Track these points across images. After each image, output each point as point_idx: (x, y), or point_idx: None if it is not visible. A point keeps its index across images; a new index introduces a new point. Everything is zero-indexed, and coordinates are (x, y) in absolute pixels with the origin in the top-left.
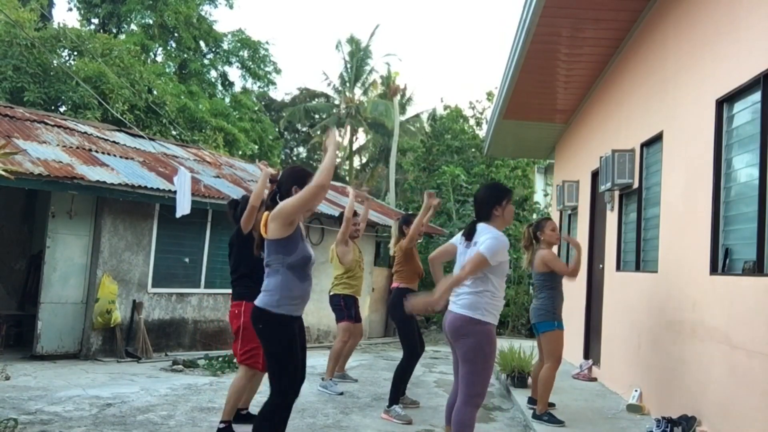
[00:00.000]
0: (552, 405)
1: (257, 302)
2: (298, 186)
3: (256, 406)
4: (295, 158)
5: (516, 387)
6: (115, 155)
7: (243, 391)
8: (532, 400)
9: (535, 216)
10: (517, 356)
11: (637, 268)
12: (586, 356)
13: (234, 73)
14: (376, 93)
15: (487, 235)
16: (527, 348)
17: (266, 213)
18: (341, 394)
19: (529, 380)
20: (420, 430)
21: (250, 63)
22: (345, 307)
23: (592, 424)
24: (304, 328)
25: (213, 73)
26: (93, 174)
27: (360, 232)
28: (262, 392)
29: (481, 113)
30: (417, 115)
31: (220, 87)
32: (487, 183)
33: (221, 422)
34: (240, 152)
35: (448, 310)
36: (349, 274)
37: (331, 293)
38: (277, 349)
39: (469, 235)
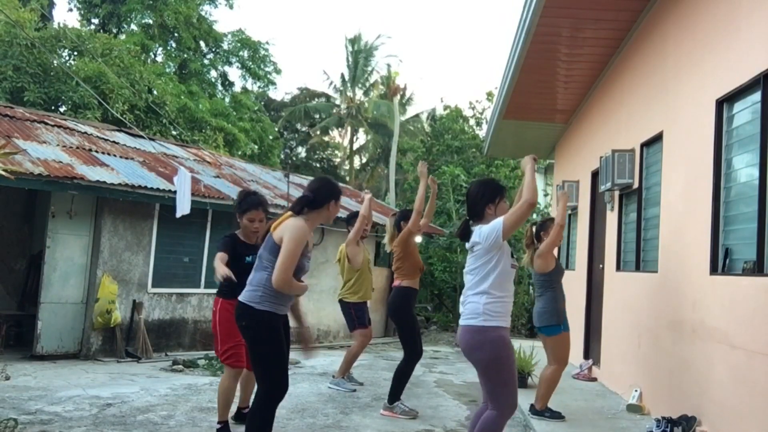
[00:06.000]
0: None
1: (241, 297)
2: (335, 200)
3: None
4: (294, 158)
5: None
6: (115, 155)
7: (230, 390)
8: (533, 408)
9: (535, 216)
10: (517, 356)
11: (637, 268)
12: (586, 356)
13: (234, 73)
14: (376, 93)
15: (485, 228)
16: (527, 348)
17: (287, 214)
18: (354, 390)
19: (530, 380)
20: (420, 430)
21: (250, 63)
22: (355, 315)
23: (592, 424)
24: (289, 326)
25: (213, 73)
26: (93, 174)
27: (367, 231)
28: None
29: (481, 113)
30: (417, 115)
31: (220, 87)
32: (480, 179)
33: (218, 423)
34: (240, 152)
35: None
36: (358, 280)
37: (340, 299)
38: (262, 346)
39: (463, 234)
